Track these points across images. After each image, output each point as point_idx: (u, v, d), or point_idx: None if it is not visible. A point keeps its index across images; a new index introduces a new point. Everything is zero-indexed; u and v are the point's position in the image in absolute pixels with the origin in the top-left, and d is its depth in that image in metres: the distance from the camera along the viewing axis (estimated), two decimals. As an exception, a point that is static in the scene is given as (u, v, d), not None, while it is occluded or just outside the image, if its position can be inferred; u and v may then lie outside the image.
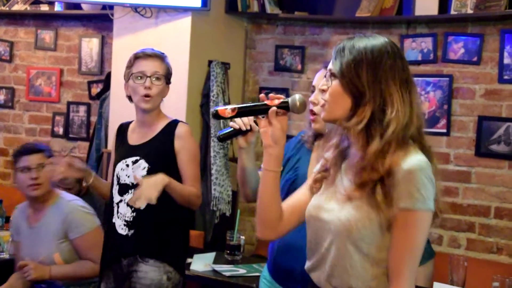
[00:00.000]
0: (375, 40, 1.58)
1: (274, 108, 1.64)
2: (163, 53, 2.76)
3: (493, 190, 3.76)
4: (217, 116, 1.68)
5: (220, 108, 1.68)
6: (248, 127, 1.90)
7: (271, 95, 1.67)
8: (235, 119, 1.87)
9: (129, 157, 2.65)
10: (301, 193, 1.75)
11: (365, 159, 1.53)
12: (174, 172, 2.59)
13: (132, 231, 2.60)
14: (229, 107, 1.67)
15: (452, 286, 2.70)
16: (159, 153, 2.63)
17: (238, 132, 1.88)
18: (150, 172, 2.55)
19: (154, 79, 2.67)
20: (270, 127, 1.65)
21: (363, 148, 1.55)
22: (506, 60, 3.71)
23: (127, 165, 2.64)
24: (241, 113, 1.68)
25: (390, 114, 1.52)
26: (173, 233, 2.65)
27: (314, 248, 1.64)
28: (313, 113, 2.16)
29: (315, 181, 1.70)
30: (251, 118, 1.86)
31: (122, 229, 2.62)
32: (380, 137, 1.52)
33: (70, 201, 3.06)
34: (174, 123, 2.70)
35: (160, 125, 2.70)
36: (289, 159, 2.27)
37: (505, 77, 3.73)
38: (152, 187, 2.41)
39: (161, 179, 2.45)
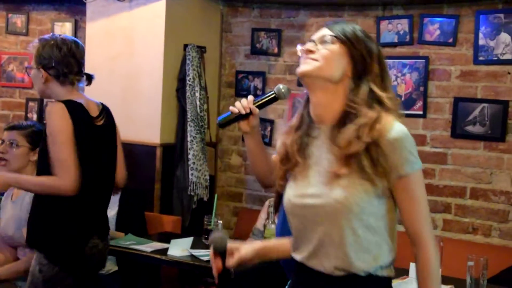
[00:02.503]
0: (357, 26, 1.67)
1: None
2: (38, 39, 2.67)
3: (469, 171, 3.79)
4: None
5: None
6: (248, 110, 1.85)
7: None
8: (235, 103, 1.87)
9: None
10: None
11: (357, 130, 1.54)
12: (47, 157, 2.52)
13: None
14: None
15: (429, 266, 2.71)
16: (41, 137, 2.60)
17: (238, 117, 1.83)
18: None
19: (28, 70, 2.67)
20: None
21: (349, 121, 1.57)
22: (481, 41, 3.72)
23: None
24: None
25: (389, 88, 1.61)
26: (50, 223, 2.53)
27: (305, 236, 1.60)
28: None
29: (280, 178, 1.67)
30: (251, 100, 1.87)
31: None
32: (376, 111, 1.56)
33: None
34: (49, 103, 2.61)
35: None
36: None
37: (480, 58, 3.74)
38: None
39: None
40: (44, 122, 2.56)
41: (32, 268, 2.54)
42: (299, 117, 1.67)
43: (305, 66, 1.60)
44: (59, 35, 2.69)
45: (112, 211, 3.67)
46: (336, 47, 1.59)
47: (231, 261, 1.76)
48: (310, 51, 1.59)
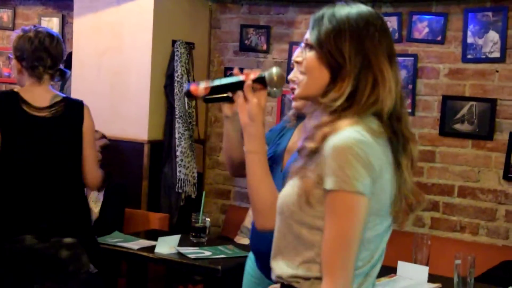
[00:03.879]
0: (360, 9, 1.43)
1: (250, 82, 1.55)
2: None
3: (457, 169, 3.79)
4: (189, 95, 1.60)
5: (193, 86, 1.60)
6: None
7: (245, 70, 1.58)
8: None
9: None
10: None
11: (311, 130, 1.39)
12: None
13: None
14: (202, 85, 1.58)
15: (416, 264, 2.71)
16: None
17: (225, 98, 1.69)
18: None
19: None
20: (246, 104, 1.54)
21: None
22: (470, 39, 3.73)
23: None
24: (215, 90, 1.59)
25: (383, 91, 1.38)
26: None
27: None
28: (293, 91, 2.05)
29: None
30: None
31: None
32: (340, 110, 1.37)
33: None
34: None
35: None
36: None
37: (469, 56, 3.74)
38: None
39: None
40: None
41: None
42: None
43: (296, 90, 1.50)
44: (38, 27, 2.72)
45: (96, 208, 3.64)
46: (312, 54, 1.43)
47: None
48: (297, 63, 1.51)
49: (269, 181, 1.57)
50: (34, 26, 2.74)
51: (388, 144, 1.39)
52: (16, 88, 2.70)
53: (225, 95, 1.64)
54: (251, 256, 2.21)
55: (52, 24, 4.87)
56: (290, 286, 1.40)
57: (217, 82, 1.61)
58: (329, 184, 1.31)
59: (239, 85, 1.57)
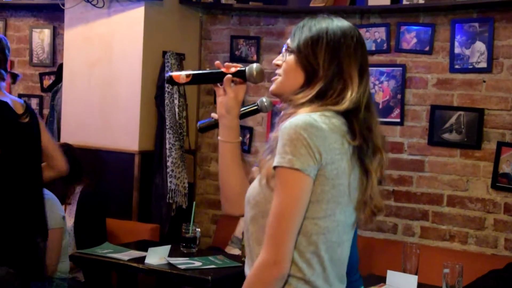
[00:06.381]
0: (340, 22, 1.56)
1: (229, 75, 1.63)
2: None
3: (446, 178, 3.82)
4: (171, 81, 1.66)
5: (175, 73, 1.66)
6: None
7: (227, 63, 1.66)
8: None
9: None
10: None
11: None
12: None
13: None
14: (184, 72, 1.64)
15: (405, 273, 2.73)
16: None
17: (215, 126, 1.78)
18: None
19: None
20: (224, 96, 1.64)
21: None
22: (457, 50, 3.77)
23: None
24: (196, 79, 1.66)
25: (349, 95, 1.48)
26: None
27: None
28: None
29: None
30: None
31: None
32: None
33: (45, 195, 3.02)
34: None
35: None
36: None
37: (456, 66, 3.78)
38: None
39: None
40: None
41: None
42: None
43: (271, 86, 1.61)
44: None
45: (70, 222, 3.60)
46: (291, 57, 1.56)
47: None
48: (277, 65, 1.61)
49: (238, 170, 1.64)
50: None
51: (348, 138, 1.46)
52: None
53: (214, 122, 1.72)
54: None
55: (43, 35, 4.88)
56: None
57: (199, 72, 1.69)
58: (274, 162, 1.40)
59: (219, 77, 1.64)
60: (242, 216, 1.57)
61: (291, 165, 1.38)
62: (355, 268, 2.34)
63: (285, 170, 1.39)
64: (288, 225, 1.38)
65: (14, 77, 2.77)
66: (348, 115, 1.48)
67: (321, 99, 1.48)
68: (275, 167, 1.40)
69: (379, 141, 1.52)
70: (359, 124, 1.48)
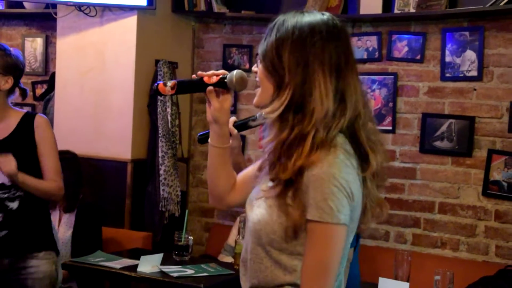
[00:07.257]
0: (310, 17, 1.37)
1: (211, 87, 1.55)
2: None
3: (437, 185, 3.84)
4: (158, 93, 1.66)
5: (160, 84, 1.65)
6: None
7: (209, 72, 1.57)
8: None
9: None
10: (253, 164, 1.59)
11: (273, 152, 1.36)
12: (36, 165, 2.67)
13: (4, 232, 2.63)
14: (169, 84, 1.63)
15: (397, 280, 2.74)
16: (21, 147, 2.64)
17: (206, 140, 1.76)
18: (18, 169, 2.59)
19: None
20: (210, 107, 1.57)
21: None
22: (448, 58, 3.80)
23: None
24: (180, 90, 1.64)
25: (312, 103, 1.32)
26: (45, 223, 2.77)
27: (243, 250, 1.49)
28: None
29: (259, 169, 1.49)
30: (232, 121, 1.86)
31: None
32: (291, 128, 1.34)
33: None
34: (31, 115, 2.74)
35: (14, 118, 2.69)
36: None
37: (447, 74, 3.81)
38: (6, 161, 2.51)
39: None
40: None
41: (49, 269, 2.70)
42: None
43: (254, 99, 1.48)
44: None
45: (67, 232, 3.59)
46: (261, 66, 1.43)
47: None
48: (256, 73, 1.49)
49: (225, 172, 1.62)
50: None
51: (356, 158, 1.39)
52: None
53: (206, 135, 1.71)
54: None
55: (36, 44, 4.88)
56: None
57: (182, 82, 1.66)
58: (312, 215, 1.30)
59: (202, 87, 1.60)
60: (227, 209, 1.58)
61: (338, 221, 1.30)
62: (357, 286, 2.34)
63: (328, 226, 1.30)
64: (331, 277, 1.34)
65: (24, 93, 2.80)
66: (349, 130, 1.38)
67: (304, 112, 1.33)
68: (313, 221, 1.30)
69: (369, 142, 1.41)
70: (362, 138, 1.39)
